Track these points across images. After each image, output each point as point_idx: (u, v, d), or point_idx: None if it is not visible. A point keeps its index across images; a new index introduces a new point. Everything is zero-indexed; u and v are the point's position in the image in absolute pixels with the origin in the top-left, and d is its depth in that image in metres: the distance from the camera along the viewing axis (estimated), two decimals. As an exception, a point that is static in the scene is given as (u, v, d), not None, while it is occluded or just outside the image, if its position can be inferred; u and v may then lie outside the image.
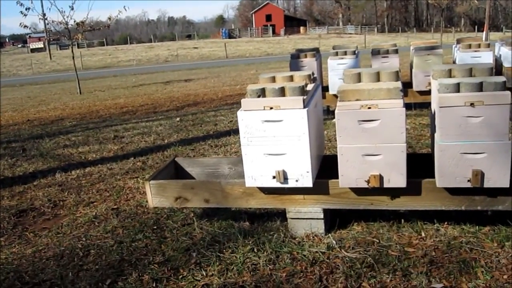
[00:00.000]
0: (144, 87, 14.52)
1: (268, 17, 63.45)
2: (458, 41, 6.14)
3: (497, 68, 5.78)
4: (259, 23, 63.08)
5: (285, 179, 2.47)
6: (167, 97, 10.98)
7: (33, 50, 50.57)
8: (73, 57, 15.07)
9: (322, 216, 2.60)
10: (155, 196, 2.86)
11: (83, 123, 7.74)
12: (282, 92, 2.40)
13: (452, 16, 66.12)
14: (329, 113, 6.12)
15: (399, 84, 2.34)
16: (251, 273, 2.30)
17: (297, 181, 2.46)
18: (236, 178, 2.98)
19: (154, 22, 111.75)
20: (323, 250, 2.43)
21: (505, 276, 2.09)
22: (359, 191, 2.51)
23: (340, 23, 67.30)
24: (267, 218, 2.93)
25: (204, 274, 2.33)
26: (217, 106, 8.57)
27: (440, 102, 2.21)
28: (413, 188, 2.43)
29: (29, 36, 62.72)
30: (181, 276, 2.33)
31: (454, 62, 6.18)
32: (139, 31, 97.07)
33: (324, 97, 5.87)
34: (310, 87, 2.63)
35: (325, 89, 5.95)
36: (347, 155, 2.38)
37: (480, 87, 2.17)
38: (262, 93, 2.43)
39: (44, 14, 15.32)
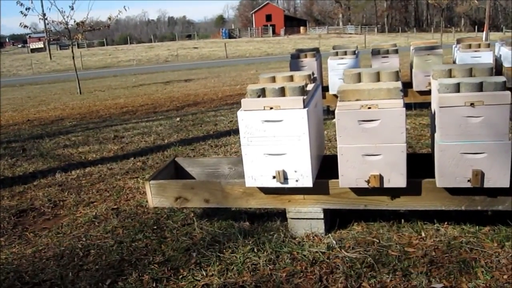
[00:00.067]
0: (144, 87, 14.52)
1: (268, 17, 63.45)
2: (458, 41, 6.14)
3: (497, 68, 5.78)
4: (259, 23, 63.08)
5: (285, 179, 2.47)
6: (167, 97, 10.98)
7: (33, 50, 50.58)
8: (73, 57, 15.07)
9: (322, 216, 2.60)
10: (155, 196, 2.86)
11: (83, 123, 7.74)
12: (282, 92, 2.40)
13: (452, 16, 66.13)
14: (329, 113, 6.12)
15: (399, 84, 2.34)
16: (251, 273, 2.30)
17: (297, 181, 2.46)
18: (236, 178, 2.98)
19: (154, 22, 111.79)
20: (323, 250, 2.43)
21: (505, 276, 2.09)
22: (359, 191, 2.51)
23: (340, 23, 67.31)
24: (267, 218, 2.93)
25: (204, 274, 2.33)
26: (217, 106, 8.57)
27: (440, 102, 2.21)
28: (413, 188, 2.43)
29: (29, 36, 62.73)
30: (181, 276, 2.33)
31: (454, 62, 6.18)
32: (139, 31, 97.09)
33: (324, 97, 5.87)
34: (310, 87, 2.63)
35: (325, 89, 5.95)
36: (347, 155, 2.38)
37: (480, 87, 2.17)
38: (262, 93, 2.43)
39: (44, 14, 15.33)
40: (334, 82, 5.60)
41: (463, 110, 2.18)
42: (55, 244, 2.87)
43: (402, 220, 2.68)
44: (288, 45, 38.46)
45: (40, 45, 51.05)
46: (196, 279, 2.29)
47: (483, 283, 2.05)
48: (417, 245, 2.42)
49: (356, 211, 2.73)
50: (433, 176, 2.40)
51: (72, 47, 15.70)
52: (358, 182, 2.41)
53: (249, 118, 2.42)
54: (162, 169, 3.12)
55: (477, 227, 2.54)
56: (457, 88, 2.20)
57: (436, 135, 2.30)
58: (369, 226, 2.67)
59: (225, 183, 2.73)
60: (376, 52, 6.02)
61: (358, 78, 2.57)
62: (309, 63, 5.88)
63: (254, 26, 63.27)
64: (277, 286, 2.17)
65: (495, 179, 2.24)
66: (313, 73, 2.84)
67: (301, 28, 63.35)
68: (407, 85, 5.59)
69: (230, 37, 58.38)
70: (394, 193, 2.46)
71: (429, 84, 4.62)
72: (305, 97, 2.38)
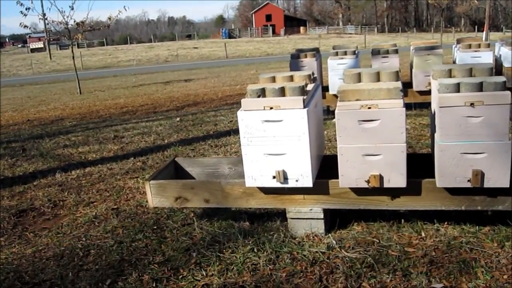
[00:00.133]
0: (144, 87, 14.52)
1: (268, 17, 63.45)
2: (458, 41, 6.14)
3: (497, 68, 5.78)
4: (259, 23, 63.08)
5: (285, 179, 2.47)
6: (167, 97, 10.98)
7: (33, 50, 50.57)
8: (73, 57, 15.07)
9: (322, 216, 2.60)
10: (155, 196, 2.86)
11: (83, 123, 7.74)
12: (282, 92, 2.40)
13: (452, 16, 66.14)
14: (329, 113, 6.12)
15: (399, 84, 2.34)
16: (251, 273, 2.30)
17: (297, 181, 2.46)
18: (236, 178, 2.98)
19: (154, 22, 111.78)
20: (323, 250, 2.43)
21: (505, 276, 2.09)
22: (359, 191, 2.51)
23: (340, 23, 67.30)
24: (267, 218, 2.93)
25: (204, 274, 2.33)
26: (217, 106, 8.57)
27: (440, 102, 2.21)
28: (413, 188, 2.43)
29: (29, 36, 62.73)
30: (181, 276, 2.33)
31: (454, 62, 6.18)
32: (139, 31, 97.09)
33: (324, 97, 5.87)
34: (310, 87, 2.63)
35: (325, 89, 5.95)
36: (347, 155, 2.38)
37: (480, 87, 2.17)
38: (262, 93, 2.43)
39: (44, 14, 15.32)
40: (334, 82, 5.60)
41: (463, 110, 2.18)
42: (55, 244, 2.87)
43: (402, 220, 2.68)
44: (288, 45, 38.46)
45: (40, 45, 51.06)
46: (196, 279, 2.29)
47: (483, 283, 2.05)
48: (417, 245, 2.42)
49: (356, 211, 2.73)
50: (433, 176, 2.40)
51: (72, 47, 15.69)
52: (358, 182, 2.41)
53: (249, 118, 2.42)
54: (162, 169, 3.12)
55: (477, 227, 2.54)
56: (457, 88, 2.20)
57: (436, 135, 2.30)
58: (369, 226, 2.67)
59: (225, 183, 2.73)
60: (376, 52, 6.02)
61: (358, 78, 2.57)
62: (309, 63, 5.88)
63: (254, 26, 63.27)
64: (277, 286, 2.17)
65: (495, 179, 2.24)
66: (313, 73, 2.84)
67: (301, 28, 63.35)
68: (407, 85, 5.59)
69: (230, 37, 58.38)
70: (394, 193, 2.46)
71: (429, 84, 4.62)
72: (305, 97, 2.38)
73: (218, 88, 12.20)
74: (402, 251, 2.37)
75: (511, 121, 2.34)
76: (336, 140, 2.45)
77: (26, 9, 13.33)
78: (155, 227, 2.96)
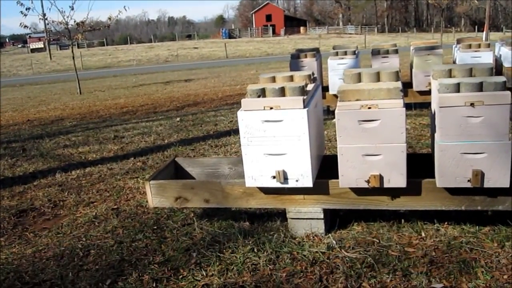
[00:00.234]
0: (144, 87, 14.52)
1: (268, 17, 63.44)
2: (458, 41, 6.14)
3: (497, 68, 5.78)
4: (259, 23, 63.08)
5: (285, 179, 2.47)
6: (167, 97, 10.98)
7: (33, 50, 50.59)
8: (73, 57, 15.07)
9: (322, 216, 2.60)
10: (155, 196, 2.86)
11: (83, 123, 7.74)
12: (282, 92, 2.40)
13: (452, 16, 66.14)
14: (329, 113, 6.12)
15: (399, 84, 2.34)
16: (251, 273, 2.30)
17: (297, 181, 2.46)
18: (236, 178, 2.98)
19: (154, 22, 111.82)
20: (323, 250, 2.43)
21: (505, 276, 2.09)
22: (359, 191, 2.51)
23: (340, 23, 67.30)
24: (267, 218, 2.93)
25: (204, 274, 2.33)
26: (217, 106, 8.57)
27: (440, 102, 2.21)
28: (413, 188, 2.43)
29: (29, 36, 62.74)
30: (181, 276, 2.33)
31: (454, 62, 6.18)
32: (139, 31, 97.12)
33: (324, 97, 5.87)
34: (310, 87, 2.63)
35: (325, 89, 5.95)
36: (347, 155, 2.38)
37: (480, 87, 2.17)
38: (262, 93, 2.43)
39: (44, 14, 15.33)
40: (334, 82, 5.60)
41: (463, 110, 2.18)
42: (55, 244, 2.87)
43: (402, 220, 2.68)
44: (288, 45, 38.46)
45: (40, 45, 51.07)
46: (196, 279, 2.29)
47: (483, 283, 2.05)
48: (417, 245, 2.42)
49: (356, 211, 2.73)
50: (433, 176, 2.40)
51: (72, 47, 15.70)
52: (358, 182, 2.41)
53: (249, 118, 2.42)
54: (162, 169, 3.13)
55: (477, 227, 2.54)
56: (457, 88, 2.20)
57: (436, 135, 2.30)
58: (369, 226, 2.67)
59: (225, 183, 2.73)
60: (376, 52, 6.02)
61: (358, 78, 2.57)
62: (309, 63, 5.88)
63: (254, 26, 63.27)
64: (277, 286, 2.17)
65: (495, 179, 2.24)
66: (313, 73, 2.84)
67: (301, 28, 63.35)
68: (407, 85, 5.59)
69: (230, 37, 58.38)
70: (394, 193, 2.46)
71: (429, 84, 4.62)
72: (305, 97, 2.38)
73: (218, 88, 12.20)
74: (402, 251, 2.37)
75: (511, 121, 2.34)
76: (336, 140, 2.45)
77: (26, 9, 13.35)
78: (155, 227, 2.96)
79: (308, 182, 2.45)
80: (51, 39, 36.69)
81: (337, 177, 2.45)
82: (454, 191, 2.39)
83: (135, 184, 3.94)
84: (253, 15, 65.69)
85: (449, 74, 2.41)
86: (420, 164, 2.72)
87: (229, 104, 8.66)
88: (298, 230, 2.66)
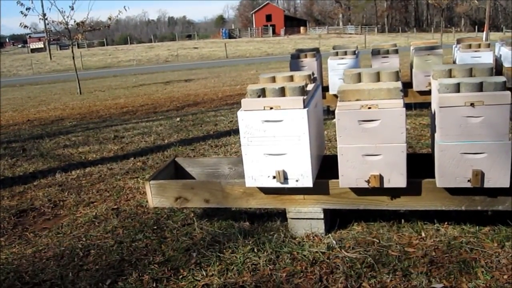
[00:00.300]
0: (144, 87, 14.52)
1: (268, 17, 63.44)
2: (458, 41, 6.14)
3: (497, 68, 5.78)
4: (259, 23, 63.08)
5: (285, 179, 2.47)
6: (167, 97, 10.98)
7: (33, 50, 50.59)
8: (73, 57, 15.08)
9: (322, 216, 2.60)
10: (155, 196, 2.86)
11: (83, 123, 7.74)
12: (282, 92, 2.40)
13: (452, 16, 66.14)
14: (329, 113, 6.12)
15: (399, 84, 2.34)
16: (251, 273, 2.30)
17: (297, 181, 2.46)
18: (236, 178, 2.98)
19: (154, 22, 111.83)
20: (323, 250, 2.43)
21: (505, 276, 2.09)
22: (359, 191, 2.51)
23: (340, 23, 67.31)
24: (267, 218, 2.93)
25: (204, 274, 2.33)
26: (217, 106, 8.57)
27: (440, 102, 2.21)
28: (413, 188, 2.43)
29: (29, 36, 62.74)
30: (181, 276, 2.33)
31: (454, 62, 6.18)
32: (139, 31, 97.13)
33: (324, 97, 5.87)
34: (310, 87, 2.63)
35: (325, 89, 5.95)
36: (347, 155, 2.38)
37: (480, 87, 2.17)
38: (262, 93, 2.43)
39: (44, 14, 15.33)
40: (334, 82, 5.60)
41: (463, 110, 2.18)
42: (55, 244, 2.87)
43: (402, 220, 2.68)
44: (288, 45, 38.46)
45: (40, 45, 51.06)
46: (196, 279, 2.29)
47: (483, 283, 2.05)
48: (417, 245, 2.42)
49: (356, 211, 2.73)
50: (433, 176, 2.40)
51: (72, 47, 15.70)
52: (358, 182, 2.41)
53: (249, 118, 2.42)
54: (162, 169, 3.13)
55: (477, 227, 2.54)
56: (457, 88, 2.20)
57: (436, 135, 2.30)
58: (369, 226, 2.67)
59: (225, 183, 2.73)
60: (376, 52, 6.02)
61: (358, 78, 2.57)
62: (309, 63, 5.88)
63: (254, 26, 63.27)
64: (277, 286, 2.17)
65: (495, 179, 2.24)
66: (313, 73, 2.84)
67: (301, 28, 63.34)
68: (407, 85, 5.59)
69: (230, 37, 58.39)
70: (394, 193, 2.46)
71: (429, 84, 4.62)
72: (305, 97, 2.38)
73: (218, 88, 12.20)
74: (402, 251, 2.37)
75: (511, 121, 2.34)
76: (336, 140, 2.45)
77: (26, 9, 13.36)
78: (155, 227, 2.96)
79: (308, 182, 2.45)
80: (51, 39, 36.71)
81: (337, 177, 2.45)
82: (454, 191, 2.39)
83: (135, 184, 3.94)
84: (253, 15, 65.69)
85: (449, 74, 2.41)
86: (420, 164, 2.72)
87: (229, 104, 8.66)
88: (298, 230, 2.66)
